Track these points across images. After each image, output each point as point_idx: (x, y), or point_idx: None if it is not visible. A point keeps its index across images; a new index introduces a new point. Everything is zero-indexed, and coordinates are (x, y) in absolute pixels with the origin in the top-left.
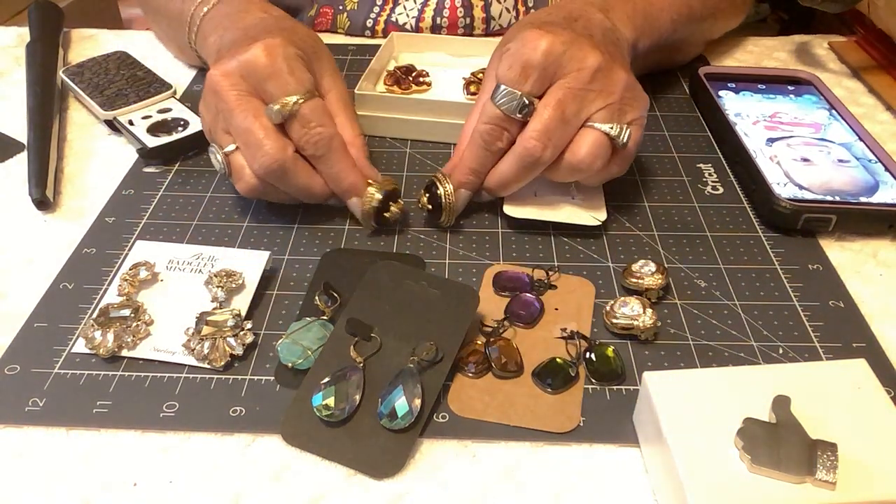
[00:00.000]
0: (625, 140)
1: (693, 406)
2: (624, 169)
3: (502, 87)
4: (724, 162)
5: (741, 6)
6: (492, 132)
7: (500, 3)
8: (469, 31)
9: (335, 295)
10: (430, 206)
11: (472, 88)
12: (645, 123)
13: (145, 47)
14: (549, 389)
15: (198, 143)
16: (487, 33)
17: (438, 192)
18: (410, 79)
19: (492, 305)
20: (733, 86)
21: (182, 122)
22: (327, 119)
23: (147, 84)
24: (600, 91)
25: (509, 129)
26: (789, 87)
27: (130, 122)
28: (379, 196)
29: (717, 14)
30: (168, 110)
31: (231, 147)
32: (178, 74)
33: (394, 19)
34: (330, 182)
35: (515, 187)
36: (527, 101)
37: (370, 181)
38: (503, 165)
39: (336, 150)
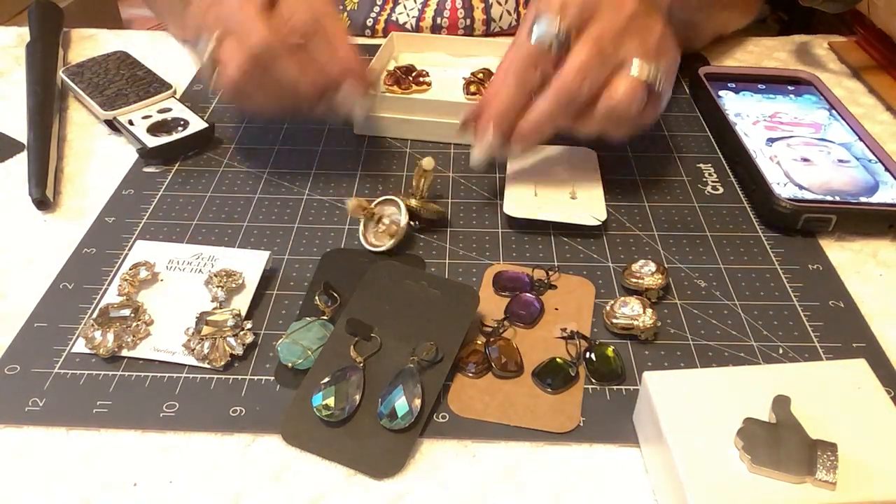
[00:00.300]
0: (659, 81)
1: (693, 406)
2: (654, 118)
3: (540, 18)
4: (724, 162)
5: (753, 6)
6: (525, 67)
7: (500, 4)
8: (469, 32)
9: (335, 295)
10: (415, 222)
11: (472, 88)
12: (674, 79)
13: (145, 47)
14: (549, 389)
15: (198, 143)
16: (487, 35)
17: (414, 208)
18: (410, 79)
19: (492, 305)
20: (733, 86)
21: (182, 122)
22: (311, 9)
23: (147, 84)
24: (636, 35)
25: (542, 66)
26: (789, 87)
27: (130, 122)
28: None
29: (733, 6)
30: (168, 110)
31: (211, 45)
32: (178, 74)
33: (394, 18)
34: (318, 74)
35: (548, 131)
36: (563, 36)
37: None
38: (538, 104)
39: (322, 35)
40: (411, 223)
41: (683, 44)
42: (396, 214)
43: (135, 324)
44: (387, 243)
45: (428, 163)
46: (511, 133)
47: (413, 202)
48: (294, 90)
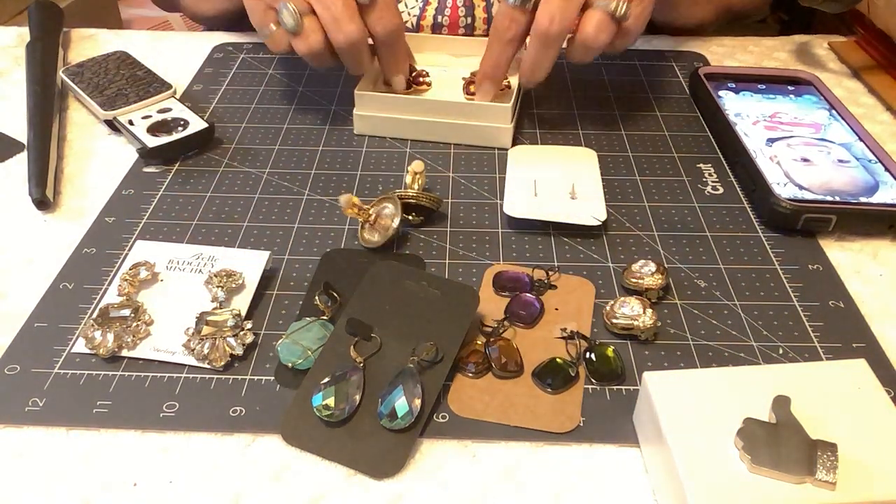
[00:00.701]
0: (623, 12)
1: (693, 406)
2: (627, 43)
3: None
4: (724, 162)
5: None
6: (501, 24)
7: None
8: (470, 31)
9: (335, 295)
10: (421, 217)
11: (472, 88)
12: (647, 16)
13: (145, 47)
14: (549, 389)
15: (198, 143)
16: (488, 34)
17: (412, 200)
18: (410, 78)
19: (492, 305)
20: (733, 86)
21: (182, 122)
22: (398, 11)
23: (147, 84)
24: None
25: (516, 20)
26: (789, 87)
27: (130, 122)
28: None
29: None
30: (168, 110)
31: (296, 18)
32: (178, 74)
33: None
34: (388, 64)
35: (542, 70)
36: None
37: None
38: (528, 51)
39: (402, 38)
40: (410, 217)
41: (670, 10)
42: (390, 210)
43: (135, 324)
44: (378, 240)
45: (418, 165)
46: (502, 79)
47: (410, 193)
48: (360, 67)
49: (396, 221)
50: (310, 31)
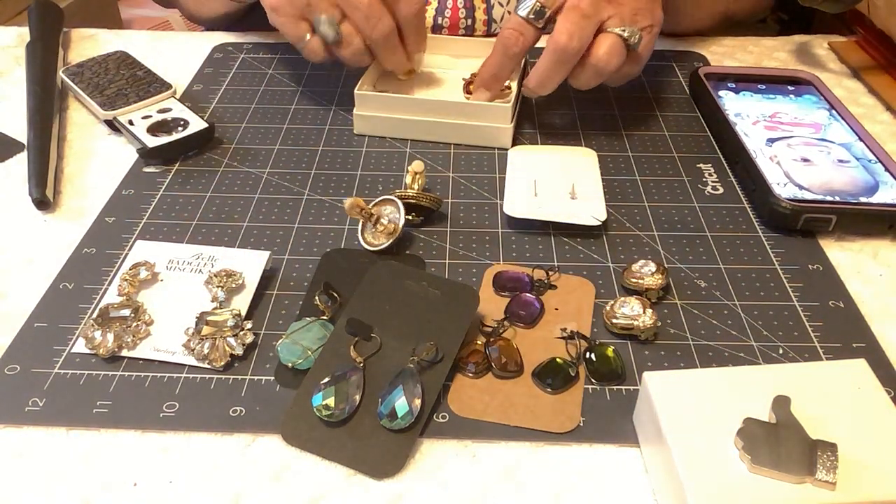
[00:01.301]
0: (636, 41)
1: (693, 406)
2: (636, 71)
3: None
4: (724, 162)
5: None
6: (510, 36)
7: (502, 6)
8: (470, 33)
9: (335, 295)
10: (421, 217)
11: (472, 88)
12: (657, 33)
13: (145, 47)
14: (549, 389)
15: (198, 143)
16: (488, 35)
17: (412, 200)
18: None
19: (492, 305)
20: (733, 86)
21: (182, 122)
22: None
23: (147, 84)
24: (610, 1)
25: (525, 35)
26: (789, 87)
27: (130, 122)
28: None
29: None
30: (168, 110)
31: (335, 27)
32: (178, 74)
33: None
34: (414, 44)
35: (551, 84)
36: (544, 8)
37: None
38: (540, 64)
39: (424, 17)
40: (410, 217)
41: (674, 19)
42: (395, 213)
43: (135, 324)
44: (384, 242)
45: (418, 165)
46: (499, 88)
47: (410, 193)
48: (396, 62)
49: (402, 222)
50: (350, 36)
